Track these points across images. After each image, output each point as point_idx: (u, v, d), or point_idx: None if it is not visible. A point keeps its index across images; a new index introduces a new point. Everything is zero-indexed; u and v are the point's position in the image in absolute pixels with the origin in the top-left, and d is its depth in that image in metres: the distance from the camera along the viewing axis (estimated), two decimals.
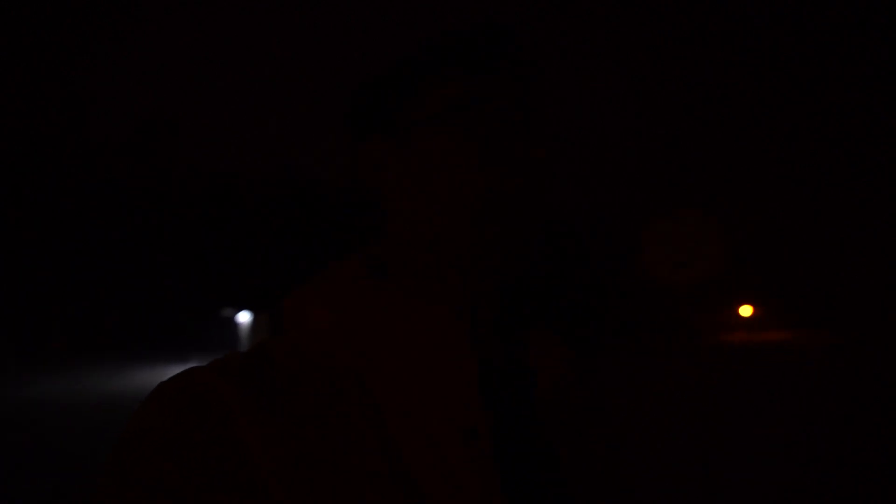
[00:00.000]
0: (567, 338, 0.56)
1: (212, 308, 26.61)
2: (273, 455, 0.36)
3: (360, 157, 0.50)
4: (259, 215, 28.51)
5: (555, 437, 0.48)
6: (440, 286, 0.47)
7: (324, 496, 0.36)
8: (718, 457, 4.91)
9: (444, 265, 0.47)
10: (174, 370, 0.40)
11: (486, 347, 0.47)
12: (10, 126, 24.64)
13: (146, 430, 0.36)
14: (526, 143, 0.46)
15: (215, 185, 28.72)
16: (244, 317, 24.68)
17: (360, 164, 0.50)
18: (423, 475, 0.38)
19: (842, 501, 4.85)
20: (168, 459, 0.35)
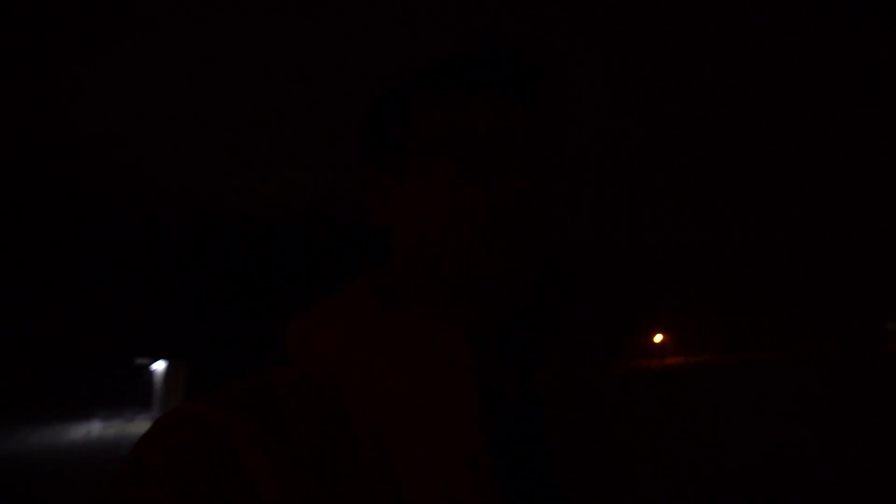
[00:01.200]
0: (570, 355, 0.56)
1: (122, 356, 24.18)
2: (277, 486, 0.35)
3: (362, 186, 0.52)
4: (178, 254, 26.48)
5: (560, 462, 0.48)
6: (444, 310, 0.47)
7: None
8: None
9: (446, 289, 0.47)
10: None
11: (490, 372, 0.47)
12: None
13: (146, 464, 0.35)
14: (517, 168, 0.46)
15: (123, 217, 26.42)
16: (159, 365, 22.56)
17: (363, 192, 0.52)
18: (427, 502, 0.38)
19: None
20: (169, 494, 0.33)
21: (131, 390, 21.30)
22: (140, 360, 22.79)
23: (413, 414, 0.41)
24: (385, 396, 0.42)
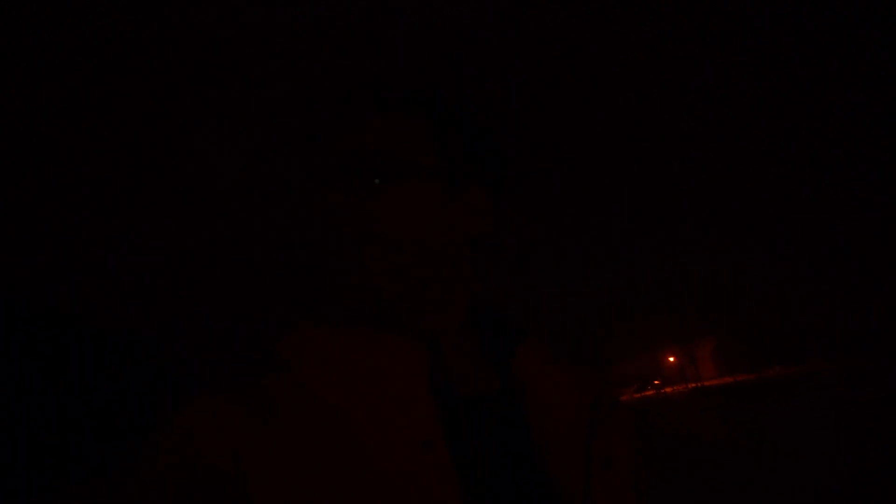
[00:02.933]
0: (558, 353, 0.60)
1: None
2: (265, 470, 0.42)
3: (316, 210, 0.54)
4: None
5: (538, 447, 0.51)
6: (403, 322, 0.53)
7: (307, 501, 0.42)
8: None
9: (404, 304, 0.52)
10: None
11: (451, 369, 0.52)
12: None
13: (154, 450, 0.41)
14: (420, 187, 0.52)
15: None
16: None
17: (318, 215, 0.54)
18: (392, 483, 0.43)
19: None
20: (172, 477, 0.39)
21: None
22: None
23: (380, 409, 0.47)
24: (356, 397, 0.47)
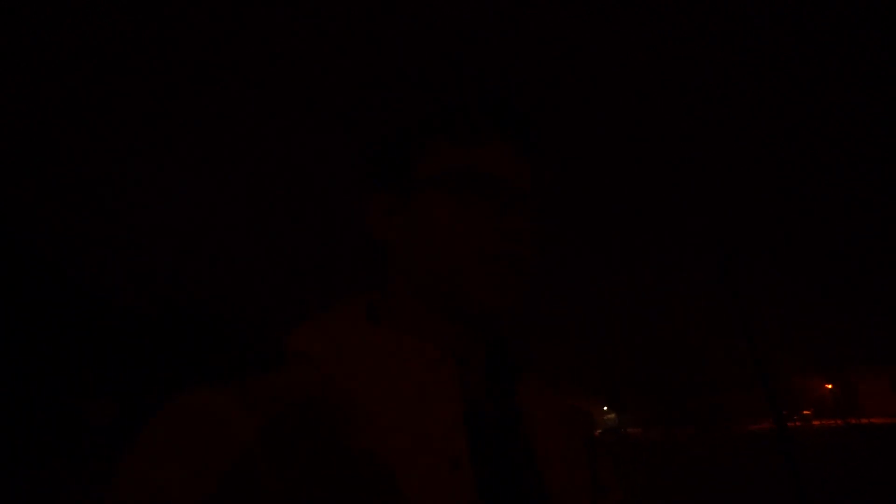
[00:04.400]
0: (554, 384, 0.62)
1: None
2: (270, 463, 0.39)
3: (367, 211, 0.57)
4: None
5: (540, 473, 0.53)
6: (432, 329, 0.53)
7: (317, 500, 0.40)
8: None
9: (436, 310, 0.54)
10: None
11: (473, 389, 0.53)
12: None
13: (153, 445, 0.39)
14: (516, 209, 0.53)
15: None
16: None
17: (367, 215, 0.57)
18: (413, 495, 0.42)
19: None
20: (173, 470, 0.37)
21: None
22: None
23: (403, 416, 0.46)
24: (376, 400, 0.46)
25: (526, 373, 0.59)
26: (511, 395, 0.56)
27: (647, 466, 16.34)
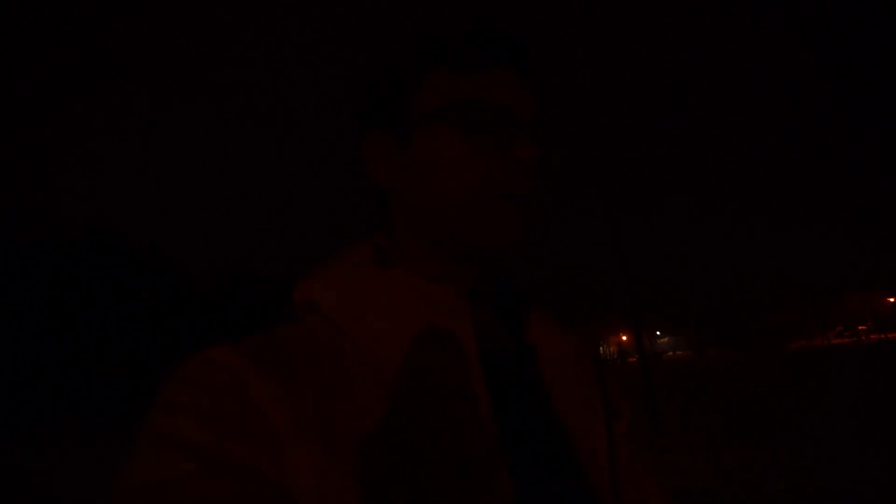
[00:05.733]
0: (564, 318, 0.62)
1: None
2: (283, 412, 0.40)
3: (363, 152, 0.54)
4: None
5: (557, 403, 0.53)
6: (441, 270, 0.52)
7: (333, 448, 0.39)
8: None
9: (443, 251, 0.52)
10: None
11: (485, 325, 0.52)
12: None
13: (172, 398, 0.41)
14: (523, 141, 0.49)
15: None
16: None
17: (364, 157, 0.55)
18: (428, 433, 0.42)
19: None
20: (191, 421, 0.39)
21: None
22: None
23: (416, 355, 0.45)
24: (388, 341, 0.46)
25: (536, 306, 0.59)
26: (522, 328, 0.57)
27: (674, 386, 16.53)
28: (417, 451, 0.41)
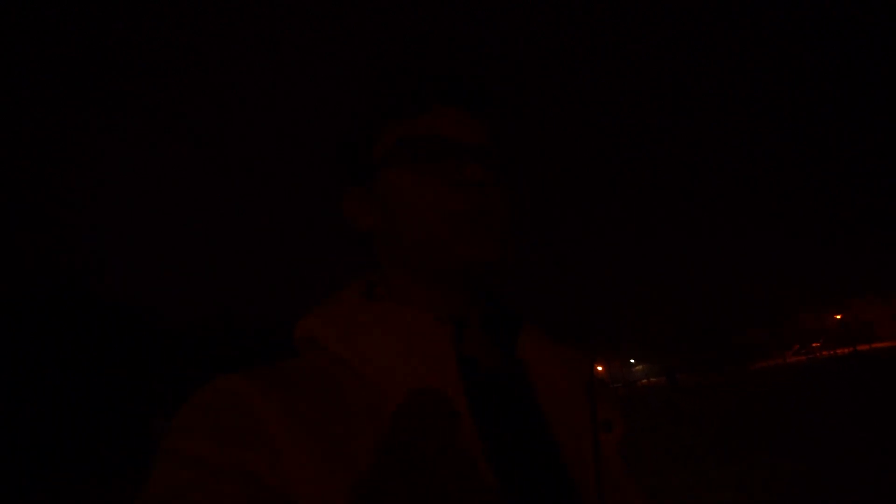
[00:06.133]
0: (556, 335, 0.64)
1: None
2: (284, 424, 0.43)
3: (343, 206, 0.61)
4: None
5: (546, 415, 0.55)
6: (425, 298, 0.56)
7: (330, 458, 0.42)
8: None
9: (425, 280, 0.55)
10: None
11: (471, 346, 0.56)
12: None
13: (186, 421, 0.44)
14: (461, 164, 0.54)
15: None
16: None
17: (344, 210, 0.61)
18: (416, 448, 0.45)
19: None
20: (203, 442, 0.42)
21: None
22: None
23: (405, 378, 0.48)
24: (379, 368, 0.49)
25: (527, 324, 0.61)
26: (511, 346, 0.59)
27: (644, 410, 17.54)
28: (404, 466, 0.43)
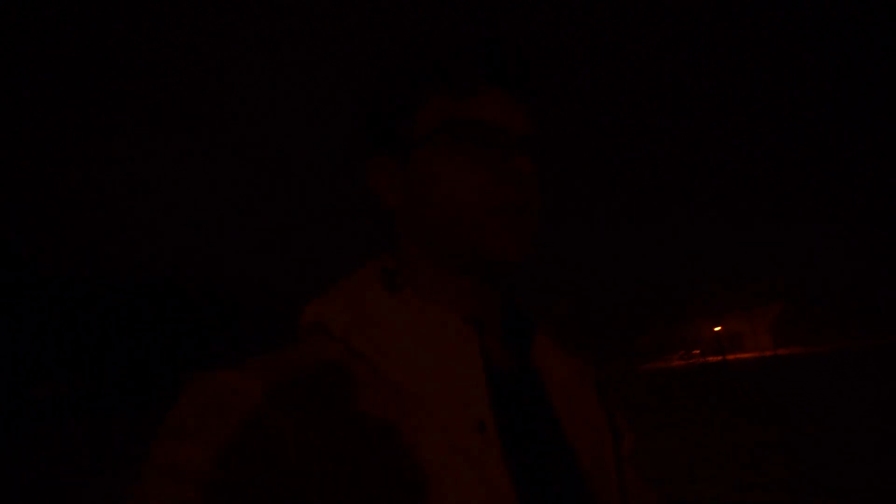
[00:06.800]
0: (567, 343, 0.63)
1: None
2: (293, 436, 0.39)
3: (368, 176, 0.56)
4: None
5: (564, 424, 0.53)
6: (448, 294, 0.53)
7: (341, 471, 0.39)
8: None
9: (450, 273, 0.52)
10: None
11: (492, 352, 0.53)
12: None
13: (180, 423, 0.40)
14: (516, 155, 0.50)
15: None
16: None
17: (368, 182, 0.56)
18: (436, 460, 0.42)
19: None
20: (199, 447, 0.38)
21: None
22: None
23: (426, 381, 0.46)
24: (397, 364, 0.47)
25: (539, 332, 0.60)
26: (527, 354, 0.57)
27: None
28: (426, 475, 0.41)
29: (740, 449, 6.93)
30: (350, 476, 0.39)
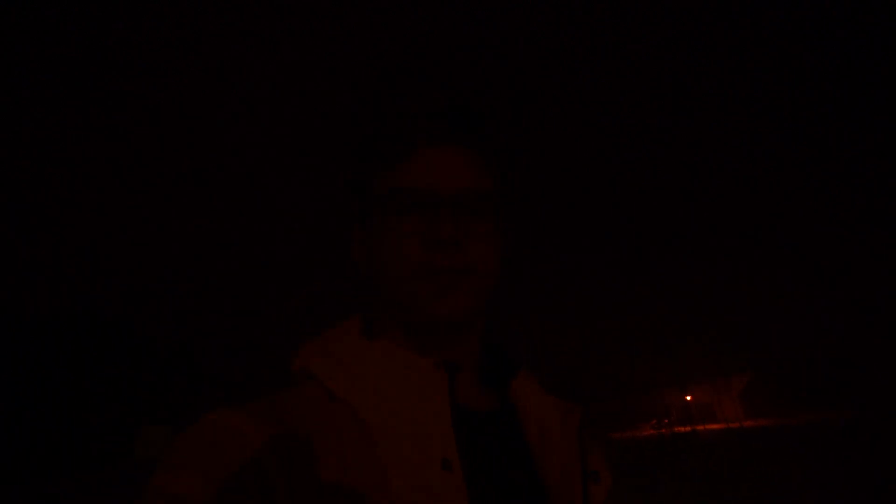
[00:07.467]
0: (549, 385, 0.66)
1: None
2: (282, 468, 0.44)
3: (351, 248, 0.64)
4: None
5: (536, 461, 0.56)
6: (419, 340, 0.57)
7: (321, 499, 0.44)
8: None
9: (417, 324, 0.56)
10: None
11: (465, 392, 0.58)
12: None
13: (178, 458, 0.44)
14: (433, 218, 0.54)
15: None
16: None
17: (352, 254, 0.64)
18: (406, 495, 0.46)
19: None
20: (196, 480, 0.42)
21: None
22: None
23: (398, 422, 0.50)
24: (373, 407, 0.51)
25: (522, 371, 0.62)
26: (505, 393, 0.60)
27: None
28: None
29: None
30: (325, 496, 0.44)
